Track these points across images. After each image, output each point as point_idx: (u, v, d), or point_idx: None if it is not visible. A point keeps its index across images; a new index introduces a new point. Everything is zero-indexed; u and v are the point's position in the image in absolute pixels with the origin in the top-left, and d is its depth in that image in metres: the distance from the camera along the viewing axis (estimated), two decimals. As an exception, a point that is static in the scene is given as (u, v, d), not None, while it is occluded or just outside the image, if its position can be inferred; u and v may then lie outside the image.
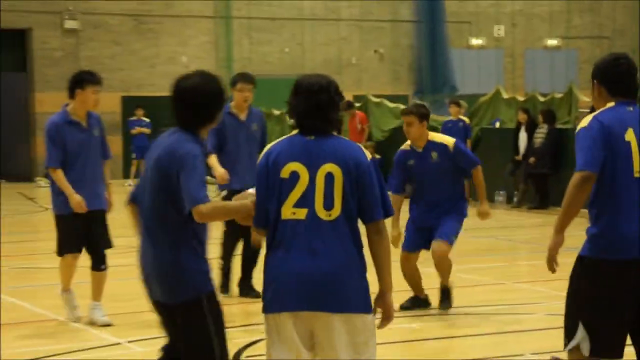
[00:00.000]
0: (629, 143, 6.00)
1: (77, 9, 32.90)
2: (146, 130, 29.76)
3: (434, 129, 23.53)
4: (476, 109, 25.25)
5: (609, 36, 38.72)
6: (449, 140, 10.53)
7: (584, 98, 24.85)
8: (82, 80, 10.01)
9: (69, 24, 32.72)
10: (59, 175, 9.68)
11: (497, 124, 24.72)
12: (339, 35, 35.74)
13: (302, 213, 5.46)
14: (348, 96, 31.65)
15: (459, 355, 9.29)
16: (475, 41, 37.77)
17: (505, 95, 25.37)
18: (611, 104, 6.17)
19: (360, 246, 5.55)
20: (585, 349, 6.04)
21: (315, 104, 5.50)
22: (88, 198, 9.61)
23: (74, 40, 32.58)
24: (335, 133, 5.68)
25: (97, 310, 9.85)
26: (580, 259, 6.10)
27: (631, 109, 6.13)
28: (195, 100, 5.93)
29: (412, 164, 10.47)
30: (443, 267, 10.33)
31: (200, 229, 5.86)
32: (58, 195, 9.74)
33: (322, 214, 5.46)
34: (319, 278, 5.44)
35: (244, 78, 11.14)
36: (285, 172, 5.49)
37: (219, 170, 10.67)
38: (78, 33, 32.79)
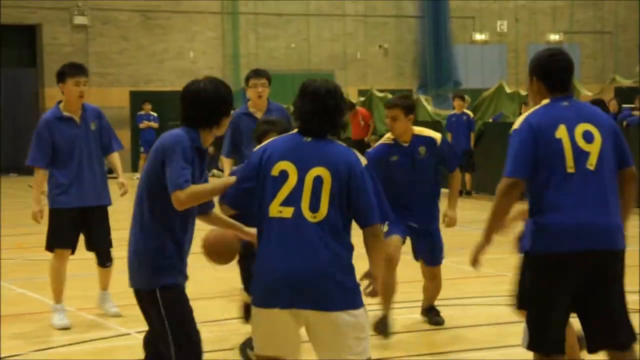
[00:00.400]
0: (560, 140, 6.01)
1: (86, 5, 33.08)
2: (154, 125, 29.98)
3: (438, 123, 23.73)
4: (479, 103, 25.50)
5: (611, 31, 38.79)
6: (436, 135, 9.46)
7: (586, 92, 25.00)
8: (61, 74, 9.60)
9: (78, 19, 32.87)
10: (38, 176, 9.51)
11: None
12: (344, 30, 35.88)
13: (288, 212, 5.51)
14: (353, 91, 31.89)
15: (460, 346, 9.28)
16: (479, 36, 37.93)
17: (508, 90, 25.56)
18: (546, 101, 6.20)
19: (347, 248, 5.59)
20: (525, 342, 6.12)
21: (323, 108, 5.59)
22: (86, 194, 9.46)
23: (83, 36, 32.74)
24: (334, 138, 5.74)
25: (108, 301, 9.76)
26: (524, 255, 6.17)
27: (566, 103, 6.15)
28: (198, 102, 5.99)
29: (395, 160, 9.22)
30: (437, 286, 9.84)
31: (176, 224, 5.93)
32: (52, 189, 9.54)
33: (307, 214, 5.50)
34: (302, 277, 5.48)
35: (256, 73, 10.55)
36: (275, 170, 5.55)
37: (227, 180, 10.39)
38: (87, 29, 32.96)
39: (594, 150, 5.89)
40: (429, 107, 26.57)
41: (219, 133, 6.18)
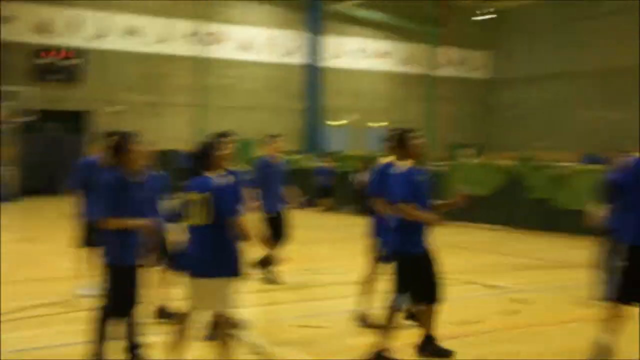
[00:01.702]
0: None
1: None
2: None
3: (309, 172, 24.34)
4: (339, 159, 25.49)
5: (409, 121, 39.13)
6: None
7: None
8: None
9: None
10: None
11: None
12: (262, 118, 35.35)
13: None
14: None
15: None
16: (338, 122, 37.49)
17: (353, 152, 26.60)
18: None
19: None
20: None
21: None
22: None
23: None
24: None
25: None
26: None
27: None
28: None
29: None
30: None
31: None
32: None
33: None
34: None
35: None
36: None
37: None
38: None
39: None
40: (309, 161, 26.80)
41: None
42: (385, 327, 5.70)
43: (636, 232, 5.66)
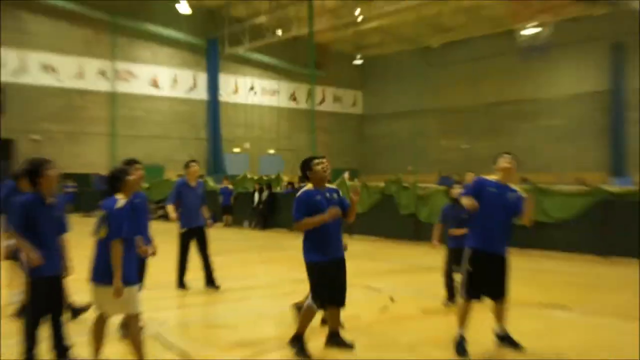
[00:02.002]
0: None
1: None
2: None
3: (212, 193, 24.10)
4: (237, 182, 25.13)
5: (295, 149, 39.62)
6: None
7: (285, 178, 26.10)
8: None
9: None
10: None
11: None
12: (168, 145, 35.67)
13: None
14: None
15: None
16: (235, 149, 38.15)
17: (249, 176, 26.39)
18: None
19: None
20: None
21: None
22: None
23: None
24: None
25: None
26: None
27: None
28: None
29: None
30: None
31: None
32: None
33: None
34: None
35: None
36: None
37: None
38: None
39: None
40: (212, 183, 26.18)
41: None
42: (301, 320, 5.86)
43: (477, 237, 5.92)
